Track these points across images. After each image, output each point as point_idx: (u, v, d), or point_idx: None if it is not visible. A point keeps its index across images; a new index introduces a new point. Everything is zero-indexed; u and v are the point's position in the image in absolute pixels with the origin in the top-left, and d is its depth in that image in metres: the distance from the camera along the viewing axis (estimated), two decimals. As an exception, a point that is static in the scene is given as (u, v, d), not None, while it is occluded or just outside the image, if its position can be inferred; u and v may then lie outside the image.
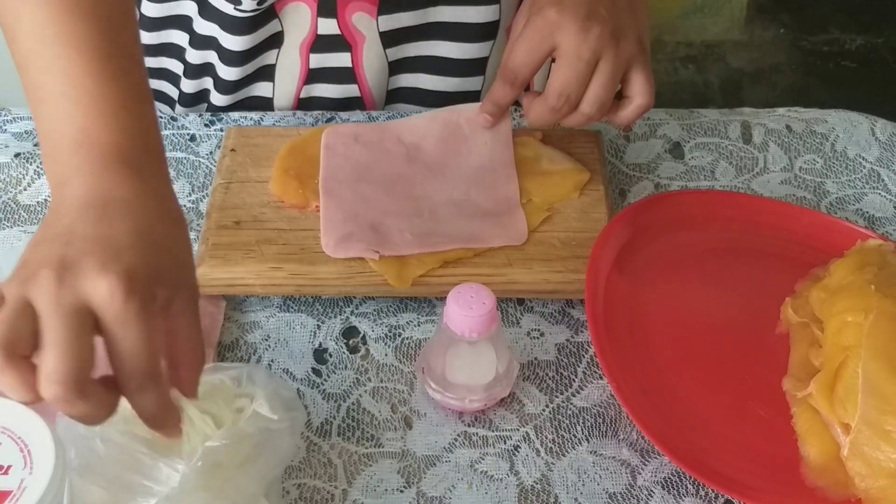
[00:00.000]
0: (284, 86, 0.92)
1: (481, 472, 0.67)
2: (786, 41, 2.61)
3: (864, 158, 0.90)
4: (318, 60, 0.90)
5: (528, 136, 0.84)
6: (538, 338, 0.74)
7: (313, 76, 0.91)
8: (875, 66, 2.53)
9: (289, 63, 0.90)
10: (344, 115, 0.91)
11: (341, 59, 0.90)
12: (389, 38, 0.89)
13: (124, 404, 0.54)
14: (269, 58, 0.90)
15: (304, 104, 0.93)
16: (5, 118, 0.90)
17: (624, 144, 0.90)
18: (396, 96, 0.94)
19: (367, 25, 0.88)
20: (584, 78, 0.72)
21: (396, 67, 0.91)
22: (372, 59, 0.90)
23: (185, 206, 0.82)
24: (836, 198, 0.87)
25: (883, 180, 0.88)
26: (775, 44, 2.61)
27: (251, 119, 0.90)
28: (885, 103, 1.64)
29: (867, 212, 0.85)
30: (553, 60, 0.74)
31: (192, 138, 0.88)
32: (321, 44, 0.89)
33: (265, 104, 0.93)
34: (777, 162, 0.89)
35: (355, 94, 0.93)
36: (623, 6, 0.74)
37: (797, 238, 0.80)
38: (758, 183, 0.87)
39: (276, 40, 0.89)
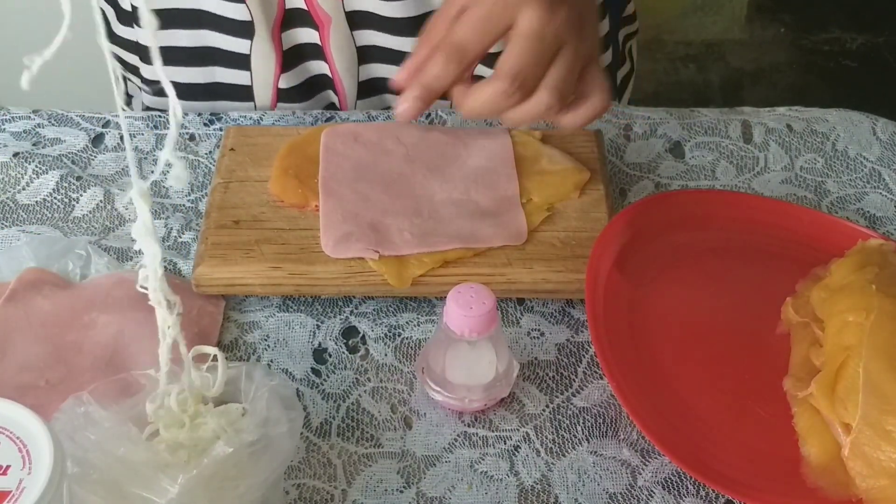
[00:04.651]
0: (262, 76, 0.92)
1: (481, 472, 0.66)
2: (786, 40, 2.61)
3: (864, 158, 0.90)
4: (290, 39, 0.90)
5: (528, 135, 0.84)
6: (538, 338, 0.74)
7: (287, 60, 0.91)
8: (876, 66, 2.53)
9: (263, 52, 0.90)
10: (343, 114, 0.91)
11: (310, 35, 0.90)
12: (356, 20, 0.88)
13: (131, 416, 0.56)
14: (242, 46, 0.90)
15: (283, 95, 0.93)
16: (4, 118, 0.89)
17: (624, 144, 0.90)
18: (371, 88, 0.93)
19: (332, 6, 0.87)
20: (545, 61, 0.63)
21: (366, 55, 0.91)
22: (340, 40, 0.89)
23: (184, 205, 0.82)
24: (837, 197, 0.86)
25: (884, 180, 0.88)
26: (776, 43, 2.61)
27: (251, 118, 0.90)
28: (885, 102, 1.64)
29: (868, 211, 0.85)
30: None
31: (192, 137, 0.88)
32: (290, 20, 0.89)
33: (242, 92, 0.93)
34: (778, 161, 0.89)
35: (325, 71, 0.92)
36: (586, 5, 0.68)
37: (798, 237, 0.80)
38: (758, 182, 0.87)
39: (247, 29, 0.89)
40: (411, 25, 0.88)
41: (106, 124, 0.89)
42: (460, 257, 0.75)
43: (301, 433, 0.66)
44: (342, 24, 0.88)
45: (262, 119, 0.90)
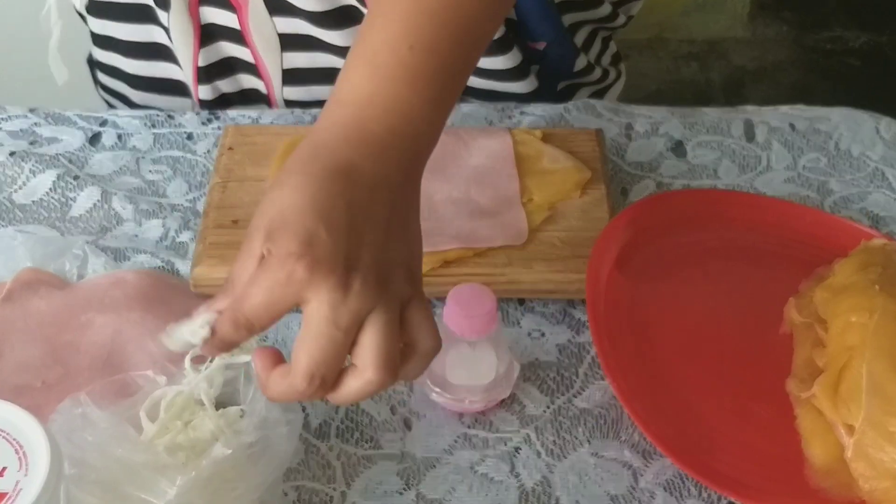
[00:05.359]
0: (182, 52, 0.91)
1: (481, 474, 0.66)
2: (789, 39, 2.61)
3: (868, 157, 0.89)
4: (207, 16, 0.89)
5: (529, 134, 0.84)
6: (539, 338, 0.74)
7: (206, 34, 0.90)
8: (878, 64, 2.52)
9: (182, 27, 0.89)
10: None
11: (229, 19, 0.89)
12: (275, 7, 0.87)
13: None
14: (164, 17, 0.89)
15: (202, 75, 0.93)
16: (1, 116, 0.89)
17: (626, 143, 0.90)
18: (297, 76, 0.92)
19: None
20: (343, 349, 0.54)
21: (289, 43, 0.90)
22: (260, 24, 0.88)
23: (182, 205, 0.82)
24: (840, 196, 0.86)
25: (887, 179, 0.88)
26: (778, 41, 2.60)
27: (249, 118, 0.90)
28: (888, 101, 1.63)
29: (871, 211, 0.85)
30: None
31: (189, 137, 0.88)
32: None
33: (165, 52, 0.93)
34: (780, 160, 0.89)
35: (245, 56, 0.91)
36: (396, 230, 0.58)
37: (801, 237, 0.80)
38: (761, 181, 0.87)
39: (163, 0, 0.88)
40: (328, 18, 0.86)
41: (103, 123, 0.89)
42: (460, 257, 0.74)
43: (300, 435, 0.66)
44: (260, 7, 0.87)
45: (260, 118, 0.90)
